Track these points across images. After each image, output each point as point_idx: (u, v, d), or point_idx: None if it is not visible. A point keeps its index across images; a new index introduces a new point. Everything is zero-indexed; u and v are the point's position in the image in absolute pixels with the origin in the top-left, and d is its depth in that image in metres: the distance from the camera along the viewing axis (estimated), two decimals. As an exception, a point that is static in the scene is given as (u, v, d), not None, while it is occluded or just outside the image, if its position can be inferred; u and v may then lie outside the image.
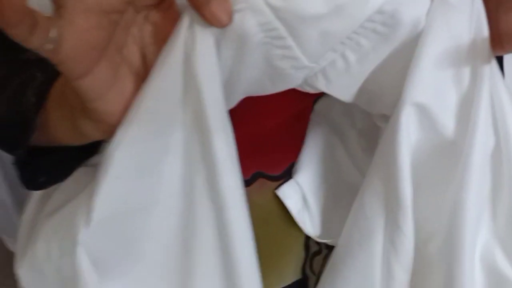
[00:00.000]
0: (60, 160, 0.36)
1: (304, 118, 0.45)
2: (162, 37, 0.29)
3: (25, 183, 0.36)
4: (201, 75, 0.28)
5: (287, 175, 0.45)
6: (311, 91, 0.35)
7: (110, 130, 0.30)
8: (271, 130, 0.44)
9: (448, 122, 0.32)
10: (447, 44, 0.31)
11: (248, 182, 0.44)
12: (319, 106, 0.44)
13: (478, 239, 0.34)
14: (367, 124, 0.42)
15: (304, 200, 0.44)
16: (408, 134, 0.32)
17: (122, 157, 0.29)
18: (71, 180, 0.36)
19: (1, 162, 0.67)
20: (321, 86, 0.34)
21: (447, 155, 0.32)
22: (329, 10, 0.28)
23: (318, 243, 0.45)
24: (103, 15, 0.27)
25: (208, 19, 0.26)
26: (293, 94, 0.36)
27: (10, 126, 0.34)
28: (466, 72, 0.31)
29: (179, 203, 0.31)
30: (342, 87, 0.34)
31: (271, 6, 0.27)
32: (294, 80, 0.33)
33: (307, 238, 0.45)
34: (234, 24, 0.27)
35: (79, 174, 0.36)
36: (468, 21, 0.31)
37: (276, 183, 0.45)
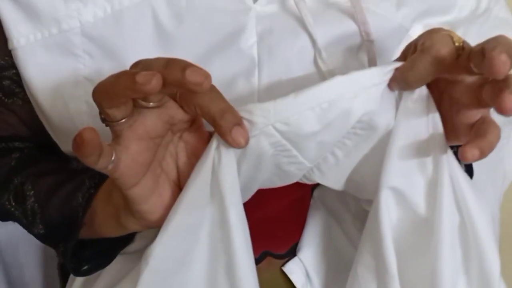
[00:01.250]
0: (102, 249, 0.43)
1: (304, 203, 0.52)
2: (192, 152, 0.37)
3: (71, 270, 0.42)
4: (224, 185, 0.35)
5: (291, 253, 0.51)
6: (308, 182, 0.42)
7: (149, 225, 0.37)
8: (275, 215, 0.51)
9: (419, 202, 0.38)
10: (410, 140, 0.38)
11: (257, 261, 0.50)
12: (316, 193, 0.51)
13: None
14: (360, 208, 0.49)
15: (307, 275, 0.51)
16: (389, 213, 0.38)
17: (161, 252, 0.35)
18: (111, 268, 0.42)
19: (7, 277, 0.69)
20: (317, 178, 0.41)
21: (422, 230, 0.38)
22: (321, 127, 0.35)
23: (320, 314, 0.51)
24: (149, 140, 0.34)
25: (230, 143, 0.33)
26: (293, 184, 0.43)
27: (61, 224, 0.41)
28: (428, 160, 0.38)
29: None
30: (333, 178, 0.42)
31: (278, 130, 0.35)
32: (297, 177, 0.41)
33: (311, 310, 0.51)
34: (251, 145, 0.35)
35: (118, 261, 0.42)
36: (425, 121, 0.38)
37: (282, 261, 0.51)
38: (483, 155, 0.33)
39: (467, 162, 0.33)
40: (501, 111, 0.31)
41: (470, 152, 0.32)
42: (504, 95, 0.30)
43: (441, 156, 0.37)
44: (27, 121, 0.47)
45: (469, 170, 0.48)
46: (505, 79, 0.31)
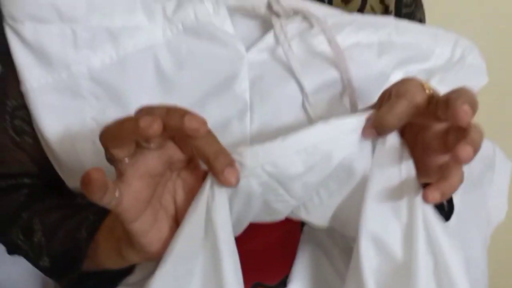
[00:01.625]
0: (102, 281, 0.45)
1: (293, 236, 0.55)
2: (189, 189, 0.40)
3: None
4: (217, 221, 0.37)
5: (282, 285, 0.53)
6: (295, 219, 0.45)
7: (149, 257, 0.40)
8: (266, 247, 0.53)
9: (396, 247, 0.40)
10: (384, 185, 0.40)
11: (249, 292, 0.52)
12: (306, 228, 0.54)
13: None
14: (346, 243, 0.52)
15: (297, 307, 0.53)
16: (369, 257, 0.39)
17: (159, 285, 0.37)
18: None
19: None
20: (302, 215, 0.44)
21: (401, 273, 0.40)
22: (306, 169, 0.39)
23: None
24: (150, 178, 0.37)
25: (222, 182, 0.36)
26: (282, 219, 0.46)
27: (65, 256, 0.44)
28: (403, 205, 0.40)
29: None
30: (318, 216, 0.45)
31: (266, 171, 0.38)
32: (284, 213, 0.44)
33: None
34: (242, 185, 0.38)
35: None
36: (399, 167, 0.40)
37: (273, 292, 0.53)
38: (444, 197, 0.35)
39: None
40: (456, 159, 0.33)
41: (432, 194, 0.35)
42: (460, 145, 0.33)
43: (414, 200, 0.39)
44: (35, 158, 0.50)
45: (450, 206, 0.51)
46: (465, 129, 0.34)
